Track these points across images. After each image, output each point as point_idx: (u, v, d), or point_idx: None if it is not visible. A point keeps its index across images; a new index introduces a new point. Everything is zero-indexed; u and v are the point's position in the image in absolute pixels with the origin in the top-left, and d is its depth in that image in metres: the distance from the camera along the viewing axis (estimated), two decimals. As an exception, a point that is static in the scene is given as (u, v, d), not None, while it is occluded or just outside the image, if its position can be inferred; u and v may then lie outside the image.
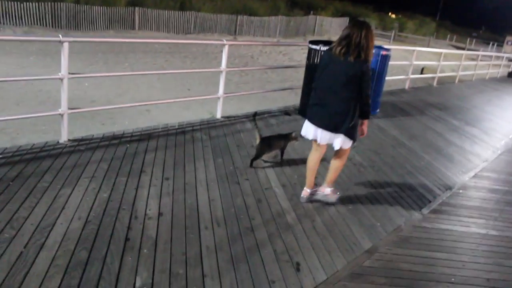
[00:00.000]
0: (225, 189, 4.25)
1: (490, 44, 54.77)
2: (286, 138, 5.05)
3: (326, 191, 4.31)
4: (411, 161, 6.06)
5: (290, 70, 14.68)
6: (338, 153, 4.16)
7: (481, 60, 19.12)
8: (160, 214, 3.61)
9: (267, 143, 4.89)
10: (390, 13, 66.16)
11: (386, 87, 8.72)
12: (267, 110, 7.48)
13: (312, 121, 4.03)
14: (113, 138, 5.14)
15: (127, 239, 3.20)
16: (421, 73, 18.82)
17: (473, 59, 20.81)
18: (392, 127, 7.65)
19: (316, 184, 4.40)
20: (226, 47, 6.28)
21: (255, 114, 5.25)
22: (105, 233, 3.23)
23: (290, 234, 3.64)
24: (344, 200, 4.44)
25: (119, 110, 8.18)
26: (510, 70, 22.60)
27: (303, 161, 5.24)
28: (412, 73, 12.34)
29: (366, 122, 4.09)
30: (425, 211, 4.62)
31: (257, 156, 4.87)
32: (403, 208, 4.57)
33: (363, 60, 3.74)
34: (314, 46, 6.80)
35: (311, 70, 6.96)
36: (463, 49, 38.52)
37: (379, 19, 53.43)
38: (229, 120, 6.49)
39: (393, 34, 43.75)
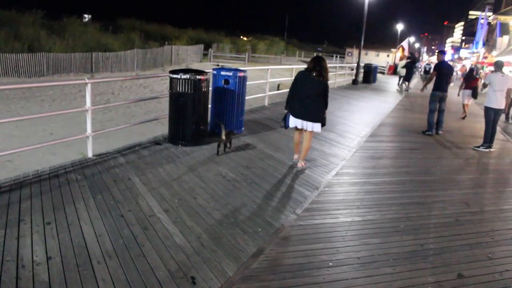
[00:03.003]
0: (110, 223, 4.32)
1: (334, 56, 60.38)
2: (231, 133, 7.44)
3: (301, 164, 6.82)
4: (280, 170, 6.62)
5: (154, 101, 14.86)
6: (308, 137, 6.68)
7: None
8: (48, 258, 3.58)
9: (227, 136, 7.20)
10: (241, 36, 69.46)
11: (247, 106, 9.33)
12: (137, 143, 7.54)
13: (298, 116, 6.58)
14: (-20, 193, 4.89)
15: (18, 288, 3.16)
16: (278, 89, 20.17)
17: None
18: (258, 142, 8.22)
19: (300, 151, 6.98)
20: (89, 85, 6.31)
21: (220, 123, 7.41)
22: (-7, 288, 3.16)
23: (181, 254, 3.86)
24: (225, 214, 4.78)
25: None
26: (353, 77, 25.19)
27: (181, 187, 5.50)
28: (270, 90, 13.25)
29: (325, 112, 6.67)
30: (298, 211, 5.13)
31: (225, 145, 7.26)
32: (279, 212, 5.04)
33: (326, 79, 6.48)
34: (175, 76, 7.15)
35: (175, 98, 7.26)
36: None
37: (232, 43, 55.68)
38: (101, 158, 6.48)
39: (247, 56, 45.98)
